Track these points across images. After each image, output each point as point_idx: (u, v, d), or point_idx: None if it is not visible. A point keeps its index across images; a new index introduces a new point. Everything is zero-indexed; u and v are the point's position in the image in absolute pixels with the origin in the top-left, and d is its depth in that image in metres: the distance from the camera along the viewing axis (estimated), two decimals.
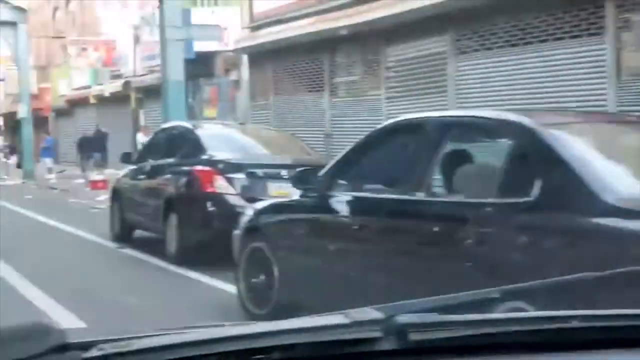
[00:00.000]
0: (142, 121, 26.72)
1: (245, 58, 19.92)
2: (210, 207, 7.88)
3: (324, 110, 16.99)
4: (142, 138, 22.59)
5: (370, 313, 1.24)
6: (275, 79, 18.84)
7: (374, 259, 4.47)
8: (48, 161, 26.30)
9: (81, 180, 23.27)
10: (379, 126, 5.31)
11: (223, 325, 1.38)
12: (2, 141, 52.12)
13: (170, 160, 8.78)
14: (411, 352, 1.19)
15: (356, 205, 4.70)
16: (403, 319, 1.21)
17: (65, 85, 34.60)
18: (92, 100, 29.95)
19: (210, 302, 6.41)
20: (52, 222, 13.11)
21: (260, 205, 5.92)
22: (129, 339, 1.18)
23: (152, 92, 25.68)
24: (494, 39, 12.38)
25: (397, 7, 14.09)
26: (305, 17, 16.98)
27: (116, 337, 1.20)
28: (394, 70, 14.92)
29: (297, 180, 4.99)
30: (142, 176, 9.53)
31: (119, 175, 10.89)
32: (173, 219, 8.36)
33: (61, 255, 9.41)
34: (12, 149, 46.12)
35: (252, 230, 5.62)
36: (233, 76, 20.17)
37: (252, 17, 19.62)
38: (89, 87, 30.54)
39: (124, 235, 10.19)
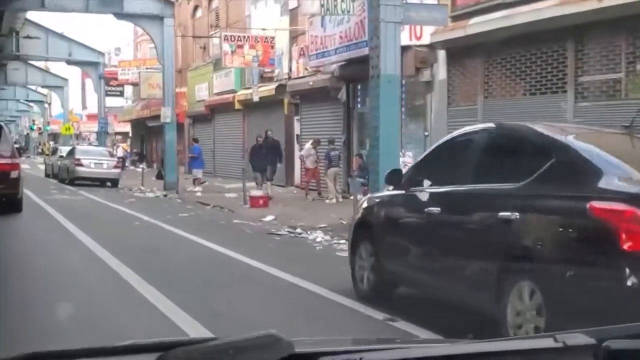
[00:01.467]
0: (297, 130, 23.67)
1: (442, 54, 16.46)
2: (629, 278, 4.28)
3: (564, 117, 13.25)
4: (310, 152, 19.53)
5: (580, 337, 1.31)
6: (486, 79, 15.28)
7: None
8: (197, 172, 23.46)
9: (233, 195, 20.39)
10: None
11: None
12: (128, 148, 50.83)
13: (507, 186, 5.27)
14: None
15: None
16: (615, 345, 1.23)
17: (203, 89, 32.12)
18: (237, 106, 27.12)
19: None
20: (234, 255, 9.98)
21: None
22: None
23: (310, 97, 22.54)
24: None
25: None
26: (538, 0, 13.36)
27: (340, 350, 1.36)
28: None
29: None
30: (430, 208, 6.05)
31: (367, 202, 7.49)
32: (525, 290, 4.86)
33: (300, 328, 6.05)
34: (141, 157, 44.64)
35: None
36: (425, 76, 16.69)
37: (453, 5, 16.14)
38: (234, 91, 27.74)
39: (381, 293, 6.79)
